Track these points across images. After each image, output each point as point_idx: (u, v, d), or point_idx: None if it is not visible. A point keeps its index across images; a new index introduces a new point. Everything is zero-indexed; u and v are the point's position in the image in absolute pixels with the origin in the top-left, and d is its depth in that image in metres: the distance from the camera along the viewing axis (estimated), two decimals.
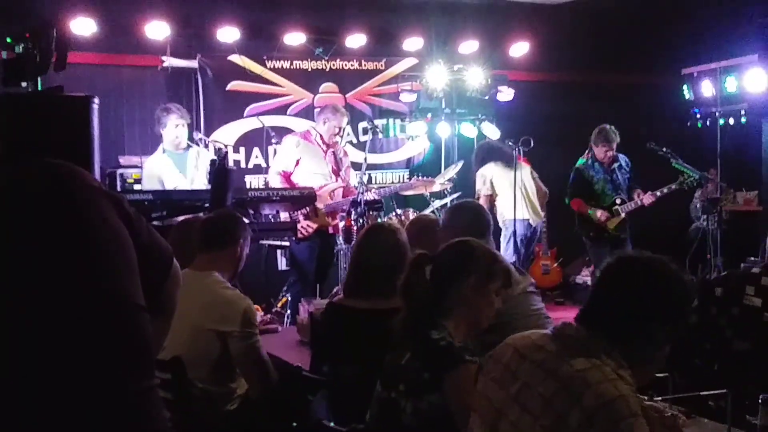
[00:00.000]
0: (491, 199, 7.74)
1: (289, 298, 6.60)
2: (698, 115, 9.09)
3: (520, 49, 9.41)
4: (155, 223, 5.05)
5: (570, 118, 9.03)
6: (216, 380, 3.65)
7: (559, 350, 2.14)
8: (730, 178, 9.17)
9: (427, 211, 7.44)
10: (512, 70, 9.39)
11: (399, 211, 7.38)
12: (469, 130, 8.94)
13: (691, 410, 2.88)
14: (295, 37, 8.38)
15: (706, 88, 8.85)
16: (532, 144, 7.40)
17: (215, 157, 6.18)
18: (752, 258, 6.36)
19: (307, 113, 8.61)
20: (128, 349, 1.84)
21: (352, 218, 6.59)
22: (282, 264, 7.67)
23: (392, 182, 8.94)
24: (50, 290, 1.76)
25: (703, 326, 3.39)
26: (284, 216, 6.58)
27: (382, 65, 9.10)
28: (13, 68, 4.12)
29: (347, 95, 8.89)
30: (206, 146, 7.23)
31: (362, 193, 6.68)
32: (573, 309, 5.34)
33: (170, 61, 7.91)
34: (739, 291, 3.33)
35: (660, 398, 2.77)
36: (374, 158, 8.71)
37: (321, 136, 7.02)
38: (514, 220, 7.55)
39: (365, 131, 8.58)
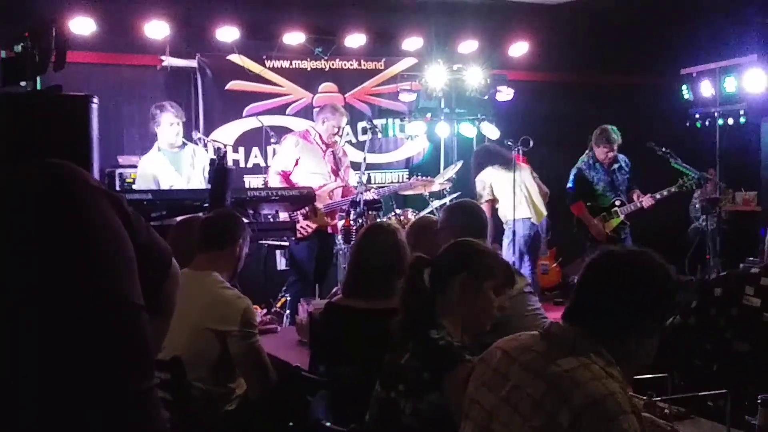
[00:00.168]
0: (492, 203, 7.68)
1: (289, 298, 6.59)
2: (697, 116, 9.09)
3: (519, 49, 9.41)
4: (154, 222, 5.04)
5: (569, 118, 9.04)
6: (215, 380, 3.65)
7: (547, 350, 2.14)
8: (730, 178, 9.17)
9: (426, 211, 7.44)
10: (511, 70, 9.39)
11: (398, 211, 7.38)
12: (468, 130, 8.94)
13: (691, 410, 2.88)
14: (294, 37, 8.38)
15: (706, 89, 8.85)
16: (531, 144, 7.39)
17: (214, 157, 6.18)
18: (751, 258, 6.36)
19: (307, 113, 8.61)
20: (128, 349, 1.84)
21: (352, 218, 6.60)
22: (281, 264, 7.66)
23: (391, 182, 8.94)
24: (50, 290, 1.76)
25: (703, 327, 3.39)
26: (283, 216, 6.58)
27: (381, 65, 9.10)
28: (12, 68, 4.12)
29: (346, 95, 8.89)
30: (205, 146, 7.23)
31: (361, 193, 6.69)
32: None
33: (169, 61, 7.91)
34: (738, 291, 3.32)
35: (659, 398, 2.77)
36: (373, 158, 8.70)
37: (320, 135, 7.02)
38: (514, 219, 7.51)
39: (364, 131, 8.58)
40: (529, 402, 2.05)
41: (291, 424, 3.60)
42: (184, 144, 6.74)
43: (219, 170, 5.39)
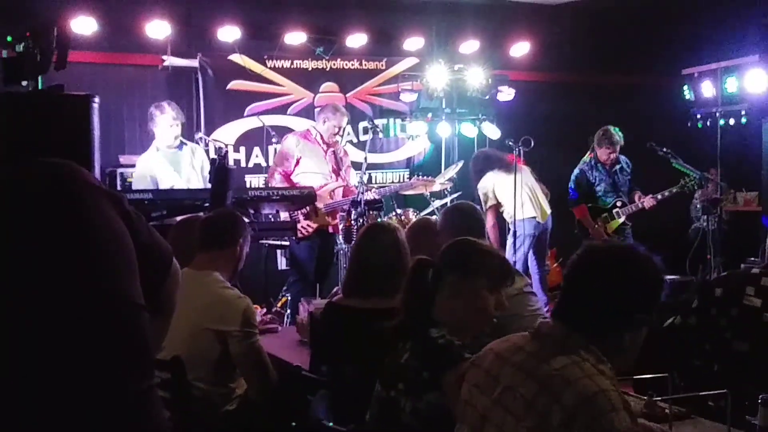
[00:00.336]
0: (496, 208, 7.65)
1: (289, 298, 6.60)
2: (698, 116, 9.08)
3: (520, 49, 9.41)
4: (155, 222, 5.04)
5: (570, 119, 9.04)
6: (215, 380, 3.65)
7: (537, 350, 2.14)
8: (731, 178, 9.16)
9: (427, 211, 7.44)
10: (513, 70, 9.39)
11: (399, 211, 7.38)
12: (469, 130, 8.94)
13: (691, 411, 2.88)
14: (295, 37, 8.38)
15: (707, 89, 8.84)
16: (532, 144, 7.39)
17: (216, 157, 6.18)
18: (752, 258, 6.37)
19: (308, 113, 8.61)
20: (128, 349, 1.84)
21: (352, 218, 6.59)
22: (282, 264, 7.66)
23: (392, 182, 8.94)
24: (50, 290, 1.76)
25: (703, 327, 3.38)
26: (284, 215, 6.58)
27: (382, 65, 9.10)
28: (13, 67, 4.11)
29: (348, 95, 8.89)
30: (206, 145, 7.23)
31: (362, 193, 6.68)
32: None
33: (171, 61, 7.92)
34: (739, 291, 3.32)
35: (660, 398, 2.77)
36: (374, 158, 8.70)
37: (321, 135, 7.02)
38: (522, 219, 7.49)
39: (365, 131, 8.58)
40: (522, 402, 2.05)
41: (292, 424, 3.60)
42: (183, 144, 6.73)
43: (220, 170, 5.38)
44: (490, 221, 7.47)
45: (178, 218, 5.04)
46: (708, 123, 8.97)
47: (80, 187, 1.90)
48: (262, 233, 6.33)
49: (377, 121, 8.63)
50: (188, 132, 7.04)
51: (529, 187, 7.58)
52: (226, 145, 6.94)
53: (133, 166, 7.16)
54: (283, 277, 7.22)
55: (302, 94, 8.68)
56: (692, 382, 3.13)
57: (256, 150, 8.41)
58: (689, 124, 9.14)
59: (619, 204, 7.67)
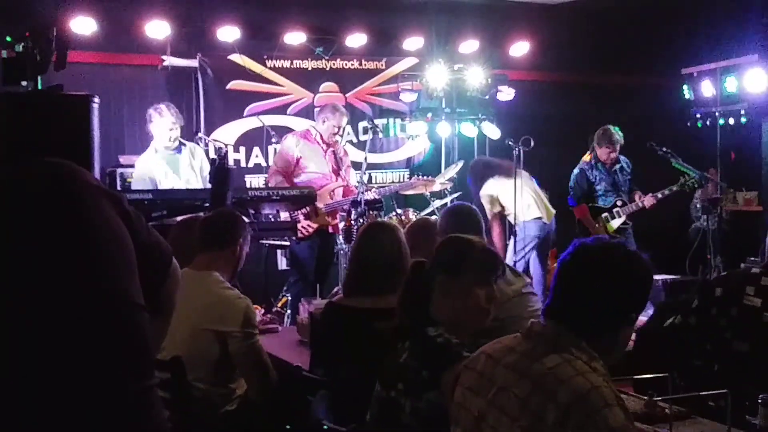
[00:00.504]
0: (501, 214, 7.62)
1: (290, 298, 6.60)
2: (698, 115, 9.07)
3: (520, 48, 9.40)
4: (155, 222, 5.04)
5: (570, 118, 9.04)
6: (215, 381, 3.65)
7: (530, 350, 2.15)
8: (730, 178, 9.16)
9: (427, 211, 7.44)
10: (512, 70, 9.38)
11: (399, 211, 7.38)
12: (469, 130, 8.94)
13: (691, 410, 2.88)
14: (295, 37, 8.38)
15: (706, 88, 8.84)
16: (532, 144, 7.38)
17: (215, 157, 6.18)
18: (752, 258, 6.36)
19: (307, 113, 8.61)
20: (128, 349, 1.84)
21: (352, 218, 6.59)
22: (282, 264, 7.67)
23: (392, 182, 8.93)
24: (50, 290, 1.76)
25: (703, 327, 3.38)
26: (284, 215, 6.57)
27: (382, 65, 9.10)
28: (13, 67, 4.12)
29: (347, 95, 8.89)
30: (206, 145, 7.22)
31: (362, 193, 6.68)
32: None
33: (170, 61, 7.92)
34: (739, 291, 3.32)
35: (660, 398, 2.77)
36: (374, 158, 8.70)
37: (321, 135, 7.02)
38: (522, 222, 7.48)
39: (365, 131, 8.57)
40: (516, 402, 2.06)
41: (291, 424, 3.60)
42: (182, 145, 6.72)
43: (220, 170, 5.38)
44: (496, 229, 7.46)
45: (178, 218, 5.04)
46: (707, 122, 8.97)
47: (80, 187, 1.90)
48: (262, 233, 6.33)
49: (377, 121, 8.63)
50: (188, 132, 7.04)
51: (531, 188, 7.58)
52: (226, 145, 6.93)
53: (132, 166, 7.16)
54: (283, 277, 7.22)
55: (302, 94, 8.68)
56: (692, 382, 3.13)
57: (256, 150, 8.41)
58: (689, 124, 9.13)
59: (619, 203, 7.67)
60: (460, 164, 8.02)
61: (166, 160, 6.62)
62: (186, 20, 7.93)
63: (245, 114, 8.36)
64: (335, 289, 5.37)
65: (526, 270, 7.29)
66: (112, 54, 7.85)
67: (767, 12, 8.48)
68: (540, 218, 7.52)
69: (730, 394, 2.58)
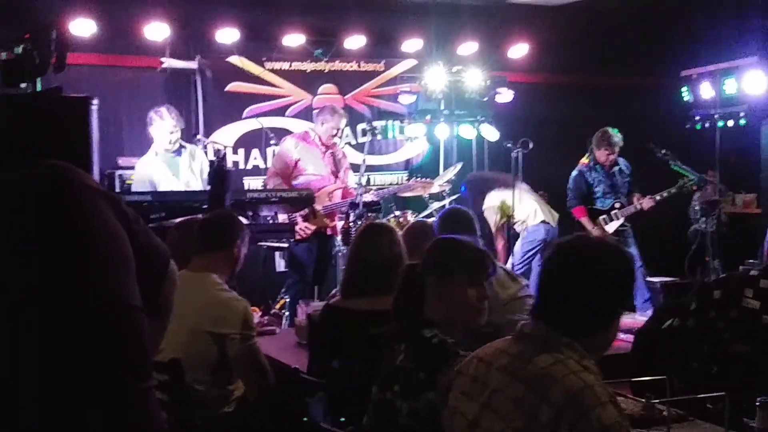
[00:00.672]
0: (505, 225, 7.60)
1: (288, 300, 6.60)
2: (697, 118, 9.08)
3: (519, 50, 9.41)
4: (153, 224, 5.04)
5: (569, 120, 9.03)
6: (213, 382, 3.65)
7: (521, 351, 2.17)
8: (729, 180, 9.17)
9: (425, 213, 7.43)
10: (511, 72, 9.39)
11: (397, 213, 7.37)
12: (468, 132, 8.94)
13: (689, 413, 2.88)
14: (294, 39, 8.38)
15: (706, 91, 8.85)
16: (531, 146, 7.39)
17: (214, 159, 6.18)
18: (751, 260, 6.36)
19: (306, 114, 8.60)
20: (126, 351, 1.84)
21: (351, 220, 6.59)
22: (280, 265, 7.67)
23: (391, 184, 8.93)
24: (49, 291, 1.77)
25: (702, 329, 3.38)
26: (282, 217, 6.58)
27: (381, 66, 9.10)
28: (12, 69, 4.11)
29: (346, 96, 8.89)
30: (205, 147, 7.23)
31: (361, 195, 6.68)
32: None
33: (169, 63, 7.91)
34: (737, 293, 3.32)
35: (658, 401, 2.77)
36: (373, 160, 8.70)
37: (319, 137, 7.02)
38: (521, 227, 7.47)
39: (364, 133, 8.58)
40: (510, 404, 2.08)
41: (289, 426, 3.60)
42: (182, 148, 6.74)
43: (218, 172, 5.39)
44: (501, 242, 7.45)
45: (177, 220, 5.04)
46: (707, 125, 8.98)
47: (79, 189, 1.90)
48: (261, 235, 6.33)
49: (376, 123, 8.62)
50: (187, 134, 7.04)
51: (533, 196, 7.61)
52: (225, 147, 6.94)
53: (131, 167, 7.17)
54: (281, 279, 7.22)
55: (301, 95, 8.68)
56: (690, 385, 3.13)
57: (255, 152, 8.41)
58: (688, 126, 9.14)
59: (617, 206, 7.67)
60: (459, 166, 8.01)
61: (167, 163, 6.63)
62: (185, 22, 7.93)
63: (244, 116, 8.36)
64: (333, 291, 5.38)
65: (527, 273, 7.28)
66: (112, 56, 7.86)
67: (767, 14, 8.49)
68: (547, 222, 7.53)
69: (729, 396, 2.58)
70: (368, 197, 6.90)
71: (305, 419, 3.18)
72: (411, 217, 7.21)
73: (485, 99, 8.87)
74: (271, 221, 6.54)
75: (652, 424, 2.73)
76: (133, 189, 6.66)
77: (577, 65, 9.70)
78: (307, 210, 6.66)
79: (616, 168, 7.71)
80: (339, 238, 6.93)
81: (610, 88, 9.89)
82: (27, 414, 1.71)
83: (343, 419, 3.16)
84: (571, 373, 2.03)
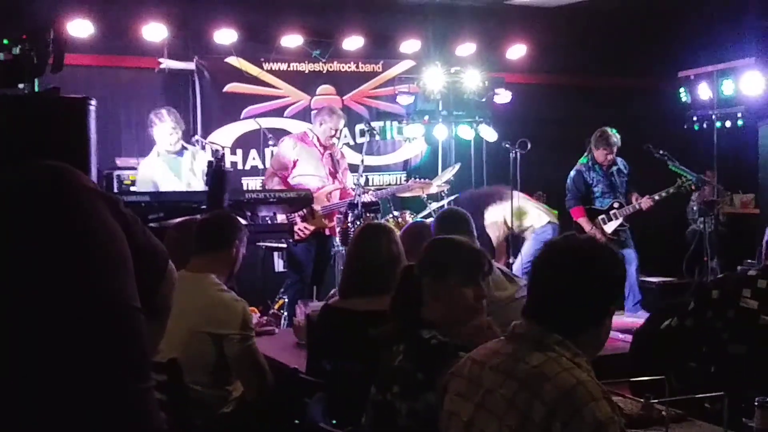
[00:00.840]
0: (513, 234, 7.57)
1: (286, 300, 6.60)
2: (695, 118, 9.09)
3: (517, 51, 9.41)
4: (152, 225, 5.04)
5: (567, 121, 9.04)
6: (212, 383, 3.65)
7: (514, 351, 2.18)
8: (727, 180, 9.17)
9: (424, 213, 7.43)
10: (509, 73, 9.39)
11: (396, 213, 7.37)
12: (466, 133, 8.94)
13: (688, 413, 2.89)
14: (292, 39, 8.38)
15: (703, 91, 8.85)
16: (529, 146, 7.39)
17: (212, 159, 6.18)
18: (749, 260, 6.38)
19: (304, 115, 8.60)
20: (125, 351, 1.85)
21: (349, 220, 6.59)
22: (279, 266, 7.67)
23: (389, 184, 8.93)
24: (48, 291, 1.77)
25: (699, 329, 3.39)
26: (281, 218, 6.58)
27: (379, 67, 9.09)
28: (10, 70, 4.11)
29: (344, 97, 8.89)
30: (203, 148, 7.23)
31: (359, 195, 6.68)
32: None
33: (167, 63, 7.92)
34: (735, 294, 3.32)
35: (656, 401, 2.77)
36: (371, 160, 8.70)
37: (318, 137, 7.02)
38: (521, 234, 7.47)
39: (362, 133, 8.60)
40: (503, 402, 2.08)
41: (288, 426, 3.60)
42: (183, 149, 6.75)
43: (216, 172, 5.39)
44: (503, 258, 7.44)
45: (175, 221, 5.04)
46: (704, 125, 8.98)
47: (77, 189, 1.90)
48: (259, 235, 6.33)
49: (374, 124, 8.60)
50: (185, 135, 7.04)
51: (530, 199, 7.62)
52: (223, 148, 6.94)
53: (129, 168, 7.18)
54: (280, 279, 7.22)
55: (299, 96, 8.68)
56: (689, 385, 3.14)
57: (253, 152, 8.40)
58: (686, 127, 9.15)
59: (616, 205, 7.67)
60: (457, 167, 8.01)
61: (168, 164, 6.67)
62: (183, 23, 7.93)
63: (242, 116, 8.36)
64: (332, 291, 5.38)
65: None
66: (110, 56, 7.86)
67: (764, 15, 8.50)
68: (552, 222, 7.54)
69: (727, 396, 2.58)
70: (367, 198, 6.90)
71: (303, 419, 3.18)
72: (409, 218, 7.22)
73: (483, 100, 8.86)
74: (269, 221, 6.54)
75: (650, 424, 2.73)
76: (137, 190, 6.68)
77: (575, 66, 9.71)
78: (305, 210, 6.66)
79: (615, 168, 7.72)
80: (337, 238, 6.93)
81: (608, 89, 9.89)
82: (27, 414, 1.72)
83: (337, 421, 3.15)
84: (563, 371, 2.04)
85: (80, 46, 7.27)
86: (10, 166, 1.92)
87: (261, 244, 6.78)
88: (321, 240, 6.99)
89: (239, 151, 8.36)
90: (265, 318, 5.34)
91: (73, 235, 1.85)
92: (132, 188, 6.93)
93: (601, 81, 9.92)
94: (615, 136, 7.57)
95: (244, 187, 8.06)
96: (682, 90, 9.10)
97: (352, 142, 8.81)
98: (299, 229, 6.72)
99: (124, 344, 1.85)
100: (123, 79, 8.02)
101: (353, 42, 8.68)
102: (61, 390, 1.73)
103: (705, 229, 8.27)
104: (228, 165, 7.87)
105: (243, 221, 4.83)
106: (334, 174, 7.07)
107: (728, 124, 8.79)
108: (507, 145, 7.48)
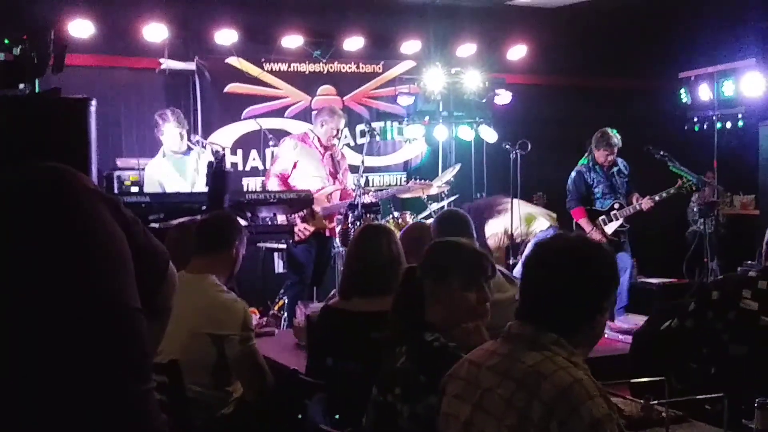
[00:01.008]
0: (507, 241, 7.61)
1: (286, 301, 6.60)
2: (695, 119, 9.09)
3: (517, 52, 9.42)
4: (152, 225, 5.04)
5: (567, 122, 9.05)
6: (212, 384, 3.65)
7: (510, 351, 2.18)
8: (727, 181, 9.18)
9: (424, 214, 7.43)
10: (510, 74, 9.40)
11: (396, 214, 7.37)
12: (466, 133, 8.95)
13: (688, 414, 2.88)
14: (292, 40, 8.39)
15: (704, 92, 8.86)
16: (529, 147, 7.40)
17: (213, 160, 6.19)
18: (749, 261, 6.37)
19: (305, 116, 8.60)
20: (125, 352, 1.85)
21: (350, 221, 6.59)
22: (279, 267, 7.66)
23: (389, 185, 8.94)
24: (49, 291, 1.77)
25: (700, 330, 3.38)
26: (281, 218, 6.58)
27: (379, 68, 9.10)
28: (10, 70, 4.11)
29: (345, 98, 8.89)
30: (203, 148, 7.24)
31: (359, 196, 6.68)
32: None
33: (168, 64, 7.92)
34: (735, 294, 3.32)
35: (656, 402, 2.77)
36: (371, 161, 8.71)
37: (318, 138, 7.01)
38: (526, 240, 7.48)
39: (363, 134, 8.60)
40: (501, 403, 2.09)
41: (288, 427, 3.60)
42: (189, 149, 6.78)
43: (217, 173, 5.39)
44: (501, 263, 7.44)
45: (176, 221, 5.04)
46: (705, 126, 8.99)
47: (77, 190, 1.90)
48: (259, 236, 6.34)
49: (374, 124, 8.61)
50: (187, 135, 7.05)
51: (529, 205, 7.63)
52: (224, 148, 6.94)
53: (130, 169, 7.20)
54: (280, 280, 7.22)
55: (299, 97, 8.68)
56: (689, 386, 3.13)
57: (254, 153, 8.41)
58: (686, 128, 9.15)
59: (616, 206, 7.66)
60: (457, 167, 8.01)
61: (174, 164, 6.70)
62: (183, 23, 7.93)
63: (243, 117, 8.36)
64: (332, 292, 5.37)
65: None
66: (110, 57, 7.87)
67: (764, 16, 8.51)
68: (553, 226, 7.54)
69: (727, 397, 2.58)
70: (367, 198, 6.90)
71: (303, 419, 3.18)
72: (410, 219, 7.22)
73: (484, 100, 8.87)
74: (269, 222, 6.54)
75: (650, 425, 2.73)
76: (145, 190, 6.71)
77: (576, 67, 9.71)
78: (305, 211, 6.66)
79: (615, 168, 7.71)
80: (338, 239, 6.93)
81: (609, 90, 9.90)
82: (27, 415, 1.72)
83: (338, 421, 3.15)
84: (560, 369, 2.05)
85: (81, 46, 7.27)
86: (11, 167, 1.92)
87: (261, 244, 6.78)
88: (321, 241, 6.99)
89: (240, 152, 8.37)
90: (265, 319, 5.35)
91: (73, 235, 1.85)
92: (133, 189, 6.94)
93: (601, 82, 9.93)
94: (616, 137, 7.57)
95: (245, 188, 8.07)
96: (682, 91, 9.10)
97: (352, 143, 8.81)
98: (299, 230, 6.72)
99: (124, 345, 1.85)
100: (123, 80, 8.02)
101: (354, 42, 8.69)
102: (62, 391, 1.73)
103: (705, 230, 8.27)
104: (228, 165, 7.87)
105: (243, 222, 4.83)
106: (334, 175, 7.06)
107: (729, 125, 8.80)
108: (507, 146, 7.48)
